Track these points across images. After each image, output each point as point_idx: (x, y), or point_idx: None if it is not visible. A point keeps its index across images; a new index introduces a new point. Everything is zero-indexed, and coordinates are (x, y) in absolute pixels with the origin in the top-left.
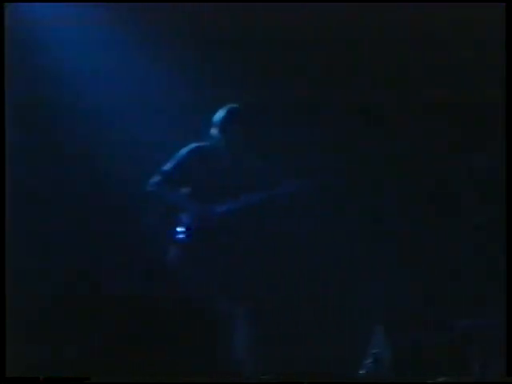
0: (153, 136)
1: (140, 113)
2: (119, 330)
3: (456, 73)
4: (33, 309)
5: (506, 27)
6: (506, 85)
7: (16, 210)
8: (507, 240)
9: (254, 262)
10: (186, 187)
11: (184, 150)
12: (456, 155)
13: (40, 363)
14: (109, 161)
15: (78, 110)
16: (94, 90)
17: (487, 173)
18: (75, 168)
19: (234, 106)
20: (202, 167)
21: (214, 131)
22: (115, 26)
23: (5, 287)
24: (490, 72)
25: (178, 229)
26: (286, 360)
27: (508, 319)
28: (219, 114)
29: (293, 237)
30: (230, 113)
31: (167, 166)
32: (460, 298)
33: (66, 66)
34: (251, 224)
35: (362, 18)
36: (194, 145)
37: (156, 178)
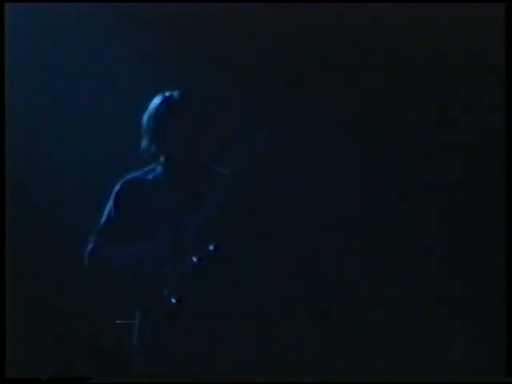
0: None
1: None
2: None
3: (455, 73)
4: (33, 308)
5: (505, 27)
6: (506, 85)
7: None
8: (507, 240)
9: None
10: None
11: (112, 196)
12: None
13: (40, 363)
14: None
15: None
16: (95, 90)
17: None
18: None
19: (170, 93)
20: (148, 205)
21: (144, 144)
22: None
23: (5, 287)
24: (490, 72)
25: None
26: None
27: (508, 319)
28: (149, 112)
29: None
30: (165, 103)
31: (101, 221)
32: (460, 297)
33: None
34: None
35: (360, 18)
36: (124, 180)
37: (90, 245)
